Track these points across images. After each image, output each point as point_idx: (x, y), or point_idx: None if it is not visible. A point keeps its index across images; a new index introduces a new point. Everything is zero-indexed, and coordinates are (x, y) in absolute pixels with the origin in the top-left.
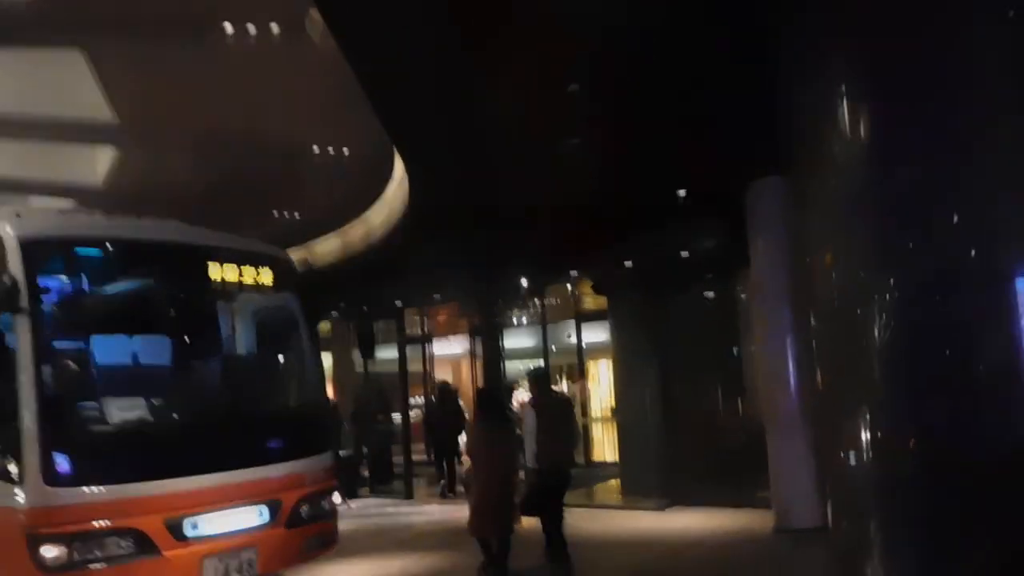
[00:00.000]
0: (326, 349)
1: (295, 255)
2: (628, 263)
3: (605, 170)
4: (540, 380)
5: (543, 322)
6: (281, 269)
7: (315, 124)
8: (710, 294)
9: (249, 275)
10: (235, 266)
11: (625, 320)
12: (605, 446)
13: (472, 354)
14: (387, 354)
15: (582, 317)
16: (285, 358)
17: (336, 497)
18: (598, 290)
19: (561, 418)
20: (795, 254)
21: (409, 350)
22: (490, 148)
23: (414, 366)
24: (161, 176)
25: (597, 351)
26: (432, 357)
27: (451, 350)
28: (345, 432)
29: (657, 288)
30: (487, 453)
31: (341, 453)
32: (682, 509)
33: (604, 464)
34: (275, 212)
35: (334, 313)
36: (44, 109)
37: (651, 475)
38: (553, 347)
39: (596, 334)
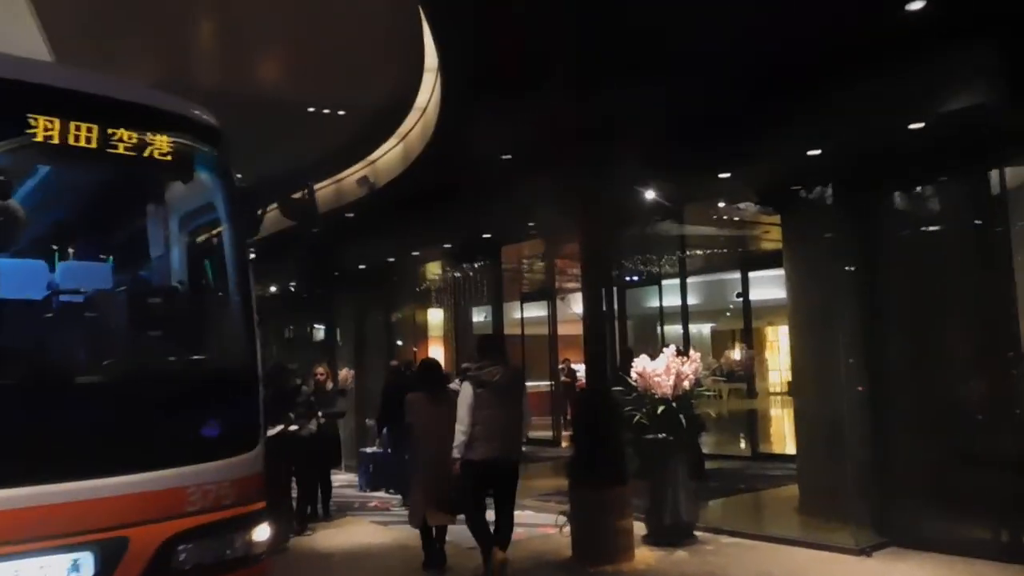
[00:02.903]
0: (436, 303)
1: (357, 173)
2: (814, 151)
3: None
4: (489, 348)
5: (682, 266)
6: (186, 137)
7: None
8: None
9: (125, 142)
10: (97, 126)
11: (808, 249)
12: (782, 435)
13: (612, 313)
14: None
15: (750, 263)
16: (175, 285)
17: (261, 531)
18: (765, 200)
19: (506, 399)
20: None
21: (534, 308)
22: None
23: (538, 328)
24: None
25: (773, 311)
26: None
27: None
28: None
29: (862, 194)
30: (427, 426)
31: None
32: (903, 554)
33: (778, 458)
34: (310, 108)
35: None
36: None
37: (850, 493)
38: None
39: (771, 288)
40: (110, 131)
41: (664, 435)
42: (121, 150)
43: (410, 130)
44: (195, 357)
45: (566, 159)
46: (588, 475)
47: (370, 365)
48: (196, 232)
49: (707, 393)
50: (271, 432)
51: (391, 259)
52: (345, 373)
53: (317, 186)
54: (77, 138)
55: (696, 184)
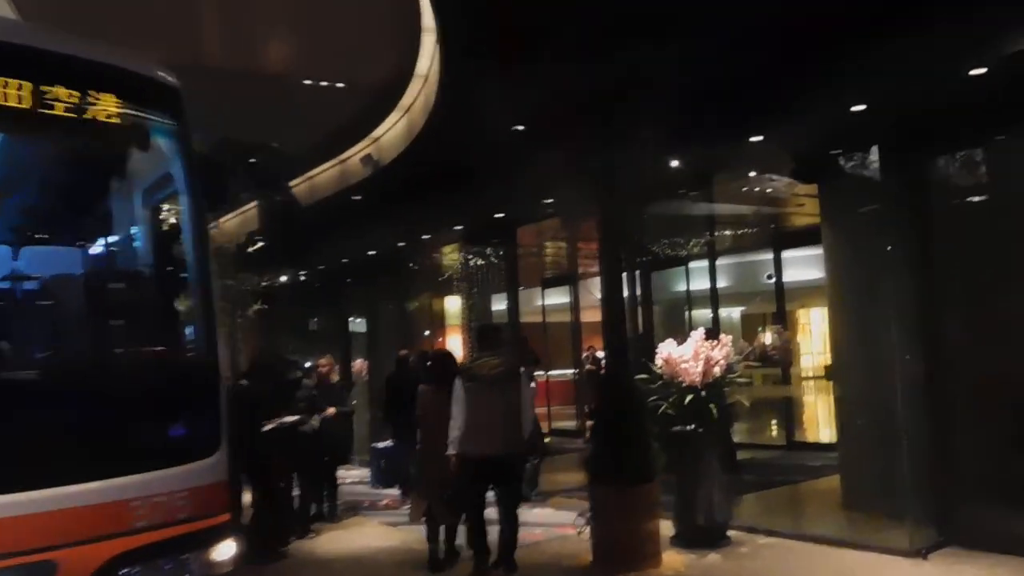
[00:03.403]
0: (456, 290)
1: (359, 152)
2: (858, 107)
3: None
4: (487, 339)
5: (711, 247)
6: (138, 97)
7: None
8: None
9: (64, 102)
10: (30, 83)
11: (850, 222)
12: (819, 423)
13: (636, 298)
14: (539, 299)
15: (782, 241)
16: (122, 268)
17: (225, 548)
18: (801, 169)
19: (500, 392)
20: None
21: (556, 294)
22: None
23: (560, 316)
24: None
25: (804, 293)
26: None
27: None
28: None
29: (912, 157)
30: (435, 420)
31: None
32: (964, 556)
33: (815, 447)
34: (307, 80)
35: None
36: None
37: (901, 487)
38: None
39: (803, 268)
40: (44, 89)
41: (693, 427)
42: (59, 111)
43: (413, 102)
44: (143, 349)
45: (583, 128)
46: (610, 472)
47: (384, 356)
48: (148, 207)
49: (740, 380)
50: (268, 427)
51: (401, 244)
52: (360, 364)
53: (320, 168)
54: (6, 97)
55: (725, 151)
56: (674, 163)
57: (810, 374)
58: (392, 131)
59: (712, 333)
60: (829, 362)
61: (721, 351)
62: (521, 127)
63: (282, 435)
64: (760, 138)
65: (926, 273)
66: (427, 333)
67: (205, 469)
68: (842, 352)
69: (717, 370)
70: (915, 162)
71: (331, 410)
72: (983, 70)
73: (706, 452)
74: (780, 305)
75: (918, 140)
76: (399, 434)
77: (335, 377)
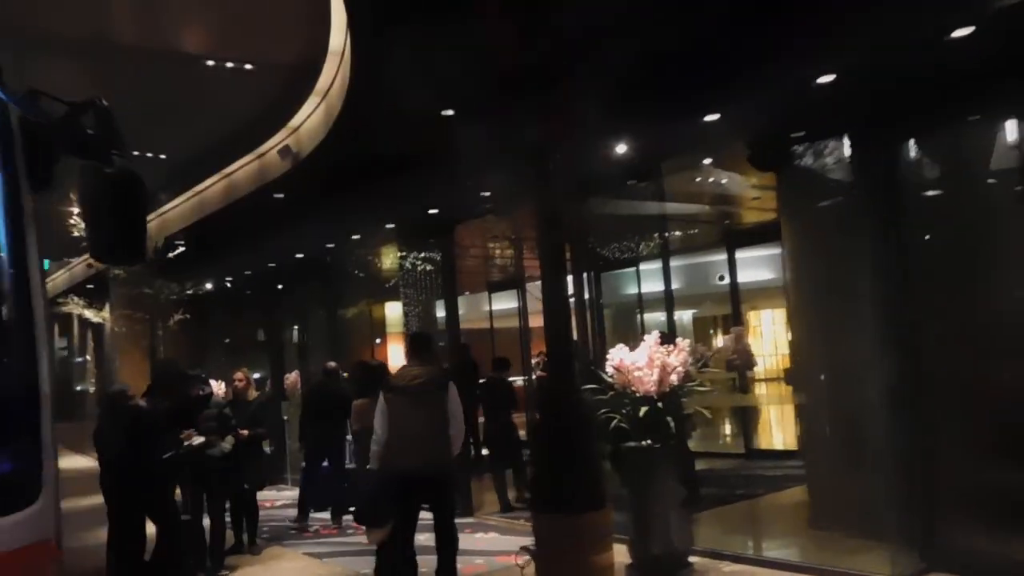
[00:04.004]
0: (392, 297)
1: (281, 144)
2: (826, 78)
3: None
4: (416, 348)
5: (664, 248)
6: None
7: None
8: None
9: None
10: None
11: (813, 216)
12: (778, 430)
13: (583, 301)
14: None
15: (737, 239)
16: None
17: None
18: (758, 157)
19: (422, 404)
20: None
21: (504, 299)
22: None
23: (508, 321)
24: None
25: (756, 295)
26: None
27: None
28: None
29: (885, 139)
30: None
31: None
32: None
33: (775, 455)
34: (208, 61)
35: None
36: None
37: (877, 505)
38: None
39: (755, 269)
40: None
41: (648, 442)
42: None
43: (331, 85)
44: None
45: (518, 110)
46: (554, 499)
47: (317, 369)
48: None
49: (699, 388)
50: (170, 452)
51: (330, 245)
52: (294, 378)
53: (238, 163)
54: None
55: (675, 135)
56: (620, 149)
57: (760, 378)
58: (311, 119)
59: (667, 337)
60: (787, 366)
61: (678, 357)
62: (450, 111)
63: (188, 460)
64: (716, 116)
65: (900, 269)
66: (378, 342)
67: (20, 524)
68: (806, 356)
69: (674, 378)
70: (888, 145)
71: (243, 432)
72: (969, 30)
73: (663, 470)
74: (736, 307)
75: (893, 120)
76: (319, 454)
77: (253, 393)
